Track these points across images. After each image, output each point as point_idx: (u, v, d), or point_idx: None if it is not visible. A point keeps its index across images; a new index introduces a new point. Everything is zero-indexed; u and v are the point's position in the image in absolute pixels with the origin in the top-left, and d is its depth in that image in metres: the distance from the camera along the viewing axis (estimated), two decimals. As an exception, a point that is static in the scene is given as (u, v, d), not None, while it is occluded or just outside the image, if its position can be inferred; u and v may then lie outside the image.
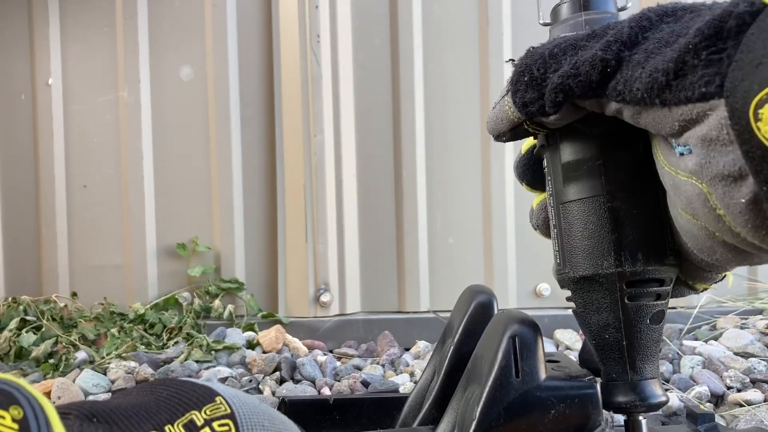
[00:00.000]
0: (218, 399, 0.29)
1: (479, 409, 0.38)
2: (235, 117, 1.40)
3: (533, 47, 0.34)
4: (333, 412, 0.69)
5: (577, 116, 0.33)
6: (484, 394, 0.38)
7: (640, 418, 0.37)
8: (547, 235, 0.41)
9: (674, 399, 0.92)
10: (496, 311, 0.51)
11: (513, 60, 0.36)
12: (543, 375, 0.38)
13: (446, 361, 0.49)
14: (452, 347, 0.49)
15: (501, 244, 1.37)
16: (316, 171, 1.36)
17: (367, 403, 0.70)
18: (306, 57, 1.36)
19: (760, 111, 0.22)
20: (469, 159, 1.38)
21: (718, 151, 0.25)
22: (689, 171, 0.28)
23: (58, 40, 1.44)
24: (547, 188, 0.38)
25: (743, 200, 0.25)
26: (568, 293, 0.39)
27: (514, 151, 1.37)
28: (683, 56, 0.25)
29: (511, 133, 0.35)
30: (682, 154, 0.28)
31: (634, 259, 0.34)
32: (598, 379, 0.39)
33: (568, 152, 0.36)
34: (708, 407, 0.92)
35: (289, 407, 0.69)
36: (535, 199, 0.42)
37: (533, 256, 1.38)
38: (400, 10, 1.38)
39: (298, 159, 1.37)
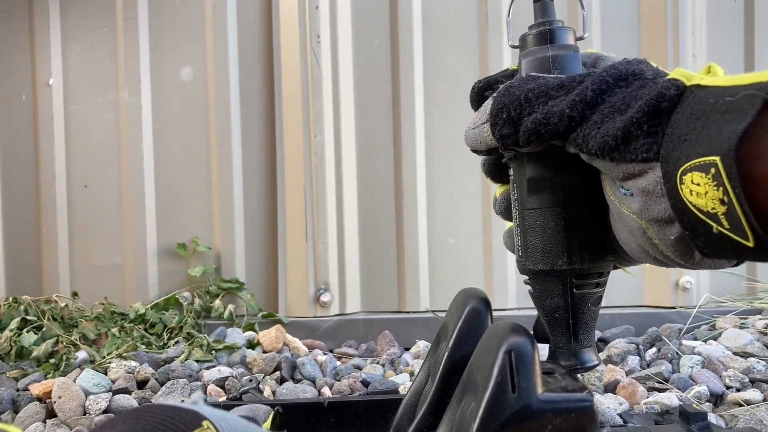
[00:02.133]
0: (205, 423, 0.29)
1: (475, 426, 0.37)
2: (236, 117, 1.40)
3: (511, 86, 0.40)
4: (328, 414, 0.69)
5: (543, 146, 0.39)
6: (480, 411, 0.37)
7: (579, 375, 0.44)
8: (509, 219, 0.48)
9: (673, 399, 0.92)
10: (490, 315, 0.51)
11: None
12: (539, 389, 0.38)
13: (440, 367, 0.49)
14: (446, 353, 0.49)
15: (501, 244, 1.37)
16: (316, 171, 1.36)
17: (362, 405, 0.70)
18: (306, 57, 1.36)
19: (684, 177, 0.30)
20: (468, 159, 1.38)
21: (654, 201, 0.33)
22: (632, 210, 0.35)
23: (58, 41, 1.44)
24: (512, 193, 0.45)
25: (672, 237, 0.33)
26: (527, 278, 0.46)
27: (513, 151, 1.38)
28: (629, 127, 0.33)
29: (487, 152, 0.43)
30: (625, 194, 0.36)
31: (581, 258, 0.42)
32: (593, 393, 0.39)
33: (532, 170, 0.43)
34: (707, 407, 0.93)
35: (284, 411, 0.69)
36: (498, 189, 0.50)
37: (533, 256, 1.37)
38: (400, 10, 1.38)
39: (298, 159, 1.37)
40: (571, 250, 0.42)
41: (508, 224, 0.49)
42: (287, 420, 0.69)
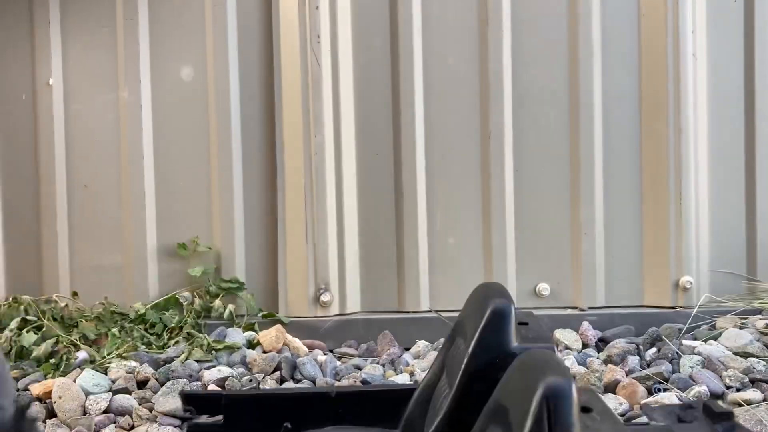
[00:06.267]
0: None
1: None
2: (236, 117, 1.40)
3: None
4: (335, 405, 0.69)
5: None
6: None
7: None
8: None
9: (673, 399, 0.92)
10: (513, 317, 0.47)
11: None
12: None
13: (459, 374, 0.46)
14: (467, 358, 0.46)
15: (500, 244, 1.37)
16: (316, 171, 1.36)
17: (370, 396, 0.70)
18: (306, 57, 1.36)
19: None
20: (468, 159, 1.38)
21: None
22: None
23: (58, 40, 1.44)
24: None
25: None
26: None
27: (513, 152, 1.39)
28: None
29: None
30: None
31: None
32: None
33: None
34: (707, 407, 0.92)
35: (291, 402, 0.69)
36: None
37: (533, 256, 1.38)
38: (400, 10, 1.38)
39: (298, 159, 1.37)
40: None
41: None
42: (293, 409, 0.68)
